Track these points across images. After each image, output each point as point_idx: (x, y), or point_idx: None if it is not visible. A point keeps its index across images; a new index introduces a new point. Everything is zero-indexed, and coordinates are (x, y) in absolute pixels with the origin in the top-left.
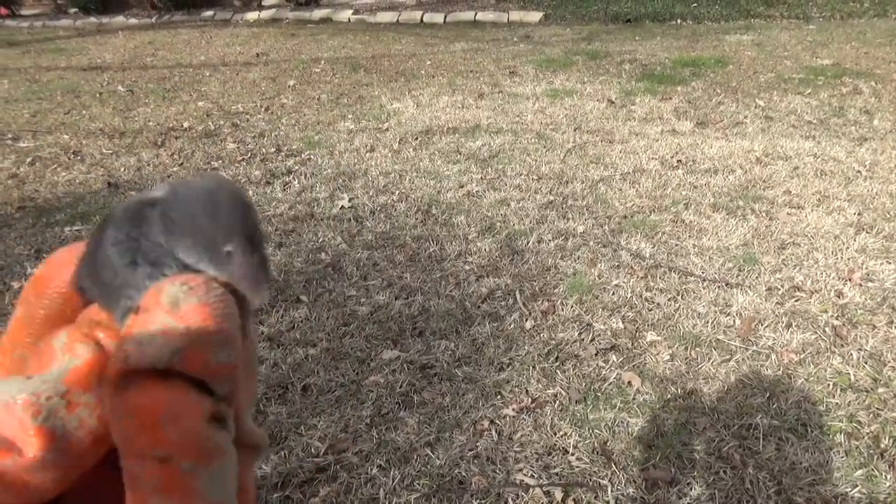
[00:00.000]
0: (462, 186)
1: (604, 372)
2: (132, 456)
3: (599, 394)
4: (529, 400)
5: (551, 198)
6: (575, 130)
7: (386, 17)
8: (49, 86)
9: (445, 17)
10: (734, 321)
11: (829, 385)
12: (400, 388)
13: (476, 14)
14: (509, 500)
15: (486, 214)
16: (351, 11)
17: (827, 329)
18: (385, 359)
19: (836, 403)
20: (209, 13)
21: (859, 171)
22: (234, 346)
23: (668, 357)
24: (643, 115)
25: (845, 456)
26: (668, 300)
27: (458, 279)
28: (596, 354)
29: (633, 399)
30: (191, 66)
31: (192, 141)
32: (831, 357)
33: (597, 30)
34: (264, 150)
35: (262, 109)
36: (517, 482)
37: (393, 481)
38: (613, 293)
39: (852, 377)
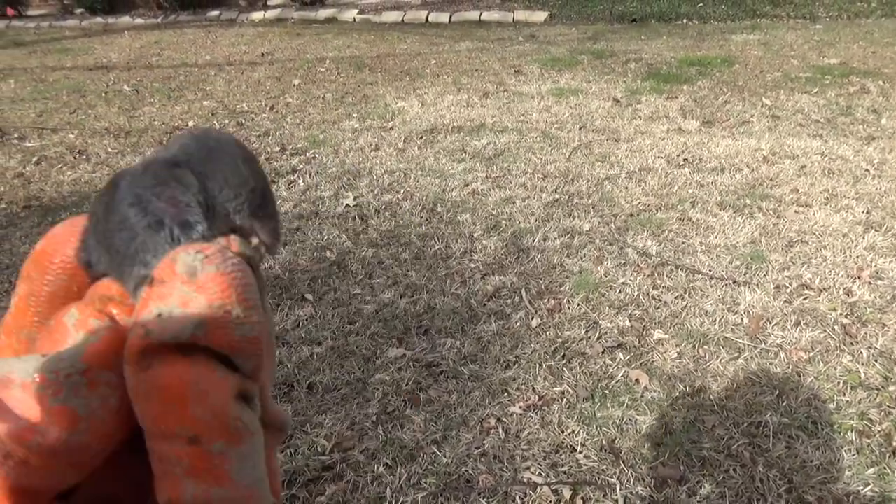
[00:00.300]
0: (467, 185)
1: (611, 370)
2: (158, 437)
3: (607, 391)
4: (536, 398)
5: (557, 196)
6: (580, 129)
7: (391, 16)
8: (55, 85)
9: (451, 16)
10: (742, 319)
11: (839, 383)
12: (406, 386)
13: (481, 14)
14: (517, 498)
15: (491, 213)
16: (356, 11)
17: (836, 327)
18: (391, 357)
19: (847, 401)
20: (215, 13)
21: (867, 170)
22: (257, 318)
23: (675, 355)
24: (649, 114)
25: (857, 454)
26: (676, 298)
27: (463, 277)
28: (603, 352)
29: (641, 397)
30: (196, 66)
31: None
32: (841, 355)
33: (602, 29)
34: (269, 149)
35: (267, 108)
36: (525, 480)
37: (399, 480)
38: (620, 291)
39: (862, 375)
